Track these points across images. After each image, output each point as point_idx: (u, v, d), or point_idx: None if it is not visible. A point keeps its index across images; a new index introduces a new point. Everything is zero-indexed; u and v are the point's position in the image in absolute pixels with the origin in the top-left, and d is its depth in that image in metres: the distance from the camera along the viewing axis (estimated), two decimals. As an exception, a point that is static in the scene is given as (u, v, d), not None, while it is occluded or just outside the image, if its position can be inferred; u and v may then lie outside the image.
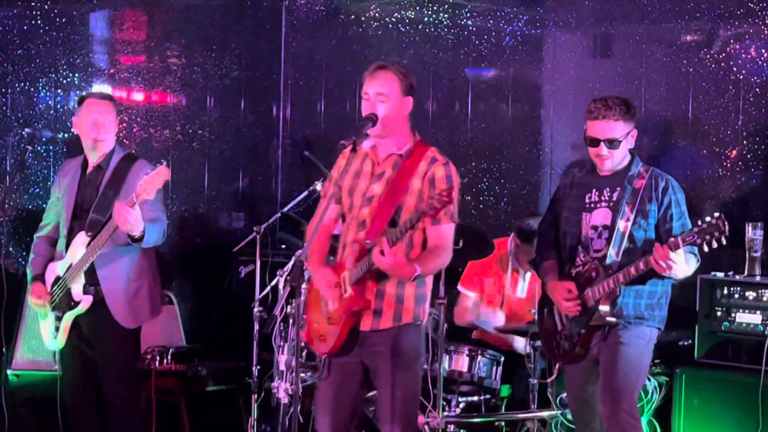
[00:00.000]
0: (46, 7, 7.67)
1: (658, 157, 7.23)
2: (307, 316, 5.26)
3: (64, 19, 7.83)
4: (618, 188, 5.52)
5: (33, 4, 7.61)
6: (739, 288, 6.45)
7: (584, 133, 5.53)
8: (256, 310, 6.81)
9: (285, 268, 6.63)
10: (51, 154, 7.69)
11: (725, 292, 6.48)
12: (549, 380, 6.44)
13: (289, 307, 6.41)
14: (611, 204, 5.52)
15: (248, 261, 7.24)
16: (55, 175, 6.34)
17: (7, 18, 7.55)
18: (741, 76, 7.06)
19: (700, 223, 5.16)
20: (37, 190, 7.60)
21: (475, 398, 6.68)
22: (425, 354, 5.97)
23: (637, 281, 5.40)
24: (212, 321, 8.26)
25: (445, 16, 8.26)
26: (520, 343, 6.69)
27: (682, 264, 5.28)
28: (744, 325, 6.41)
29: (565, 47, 8.01)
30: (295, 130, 9.05)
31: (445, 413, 6.36)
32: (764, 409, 6.12)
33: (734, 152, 7.13)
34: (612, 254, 5.44)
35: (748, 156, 7.06)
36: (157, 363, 7.30)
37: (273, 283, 6.82)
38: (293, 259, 6.63)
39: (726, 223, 5.11)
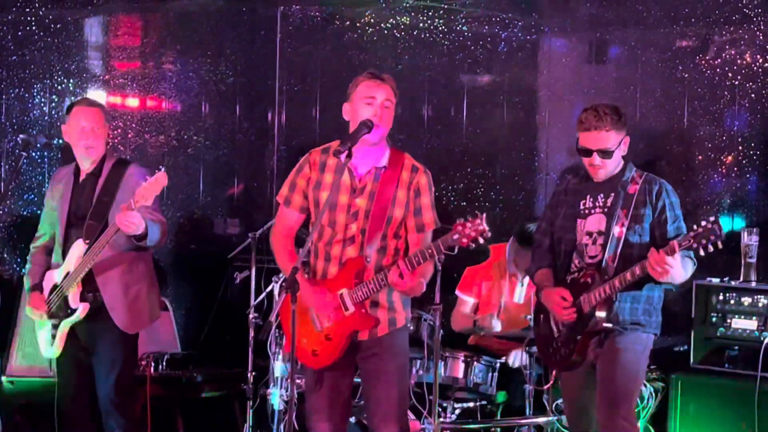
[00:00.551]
0: (41, 13, 7.66)
1: (653, 163, 7.22)
2: (297, 331, 5.21)
3: (58, 25, 7.81)
4: (612, 194, 5.52)
5: (28, 10, 7.59)
6: (734, 294, 6.45)
7: (576, 143, 5.52)
8: (251, 316, 6.81)
9: (280, 275, 6.63)
10: (45, 160, 7.68)
11: (721, 297, 6.48)
12: (546, 387, 6.44)
13: (284, 313, 6.40)
14: (605, 210, 5.52)
15: (243, 267, 7.23)
16: (49, 182, 6.32)
17: (2, 24, 7.54)
18: (736, 82, 7.07)
19: (695, 227, 5.15)
20: (32, 196, 7.59)
21: (471, 404, 6.68)
22: (422, 359, 5.99)
23: (633, 287, 5.39)
24: (207, 327, 8.25)
25: (441, 21, 8.26)
26: (511, 358, 6.67)
27: (679, 268, 5.26)
28: (740, 330, 6.41)
29: (561, 53, 8.02)
30: (290, 135, 9.04)
31: (441, 419, 6.35)
32: (760, 415, 6.12)
33: (729, 158, 7.13)
34: (607, 260, 5.44)
35: (744, 161, 7.07)
36: (152, 369, 7.28)
37: (268, 289, 6.82)
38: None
39: (722, 227, 5.11)
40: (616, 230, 5.44)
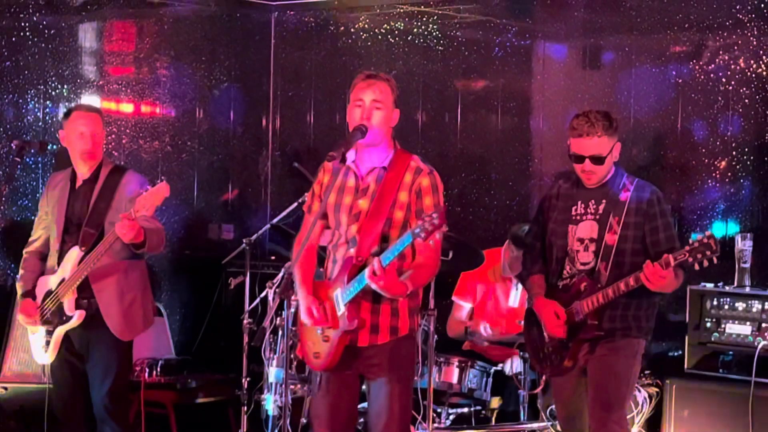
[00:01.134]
0: (34, 18, 7.65)
1: (647, 168, 7.23)
2: (301, 333, 5.23)
3: (52, 31, 7.81)
4: (604, 200, 5.52)
5: (21, 15, 7.59)
6: (728, 299, 6.45)
7: (568, 149, 5.52)
8: (245, 322, 6.81)
9: (274, 280, 6.63)
10: (40, 165, 7.67)
11: (715, 302, 6.48)
12: (536, 391, 6.44)
13: (278, 318, 6.40)
14: (597, 217, 5.52)
15: (238, 273, 7.23)
16: (43, 187, 6.31)
17: (-4, 29, 7.55)
18: (730, 87, 7.07)
19: (691, 241, 5.16)
20: (26, 201, 7.57)
21: (466, 410, 6.68)
22: (416, 364, 5.97)
23: (626, 293, 5.39)
24: (202, 333, 8.24)
25: (435, 27, 8.26)
26: (507, 365, 6.66)
27: (671, 279, 5.28)
28: (734, 335, 6.41)
29: (555, 58, 8.02)
30: (284, 141, 9.04)
31: (435, 425, 6.35)
32: (754, 420, 6.12)
33: (723, 163, 7.13)
34: (600, 267, 5.44)
35: (737, 167, 7.07)
36: (146, 375, 7.28)
37: (262, 294, 6.82)
38: (283, 271, 6.63)
39: (717, 241, 5.12)
40: (609, 238, 5.44)
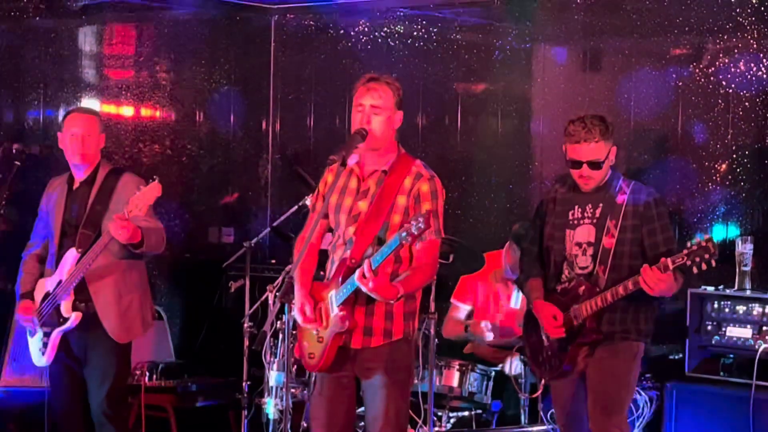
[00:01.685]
0: (34, 22, 7.65)
1: (647, 171, 7.23)
2: (299, 333, 5.24)
3: (52, 35, 7.81)
4: (600, 204, 5.52)
5: (21, 19, 7.59)
6: (729, 302, 6.45)
7: (564, 155, 5.52)
8: (246, 325, 6.80)
9: (275, 283, 6.62)
10: (39, 169, 7.66)
11: (716, 306, 6.48)
12: (535, 395, 6.44)
13: (279, 322, 6.40)
14: (594, 221, 5.52)
15: (238, 276, 7.23)
16: (43, 191, 6.30)
17: (-4, 33, 7.55)
18: (730, 90, 7.06)
19: (689, 245, 5.16)
20: (26, 205, 7.56)
21: (466, 413, 6.67)
22: (416, 368, 5.96)
23: (624, 297, 5.39)
24: (202, 336, 8.24)
25: (435, 30, 8.26)
26: (507, 365, 6.66)
27: (671, 283, 5.28)
28: (734, 339, 6.41)
29: (555, 61, 8.02)
30: (284, 144, 9.04)
31: (436, 429, 6.34)
32: (755, 424, 6.12)
33: (724, 166, 7.13)
34: (598, 271, 5.44)
35: (738, 170, 7.06)
36: (146, 378, 7.28)
37: (263, 298, 6.81)
38: (283, 274, 6.62)
39: (715, 245, 5.11)
40: (606, 241, 5.44)
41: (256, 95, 8.97)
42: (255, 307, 6.90)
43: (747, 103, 7.02)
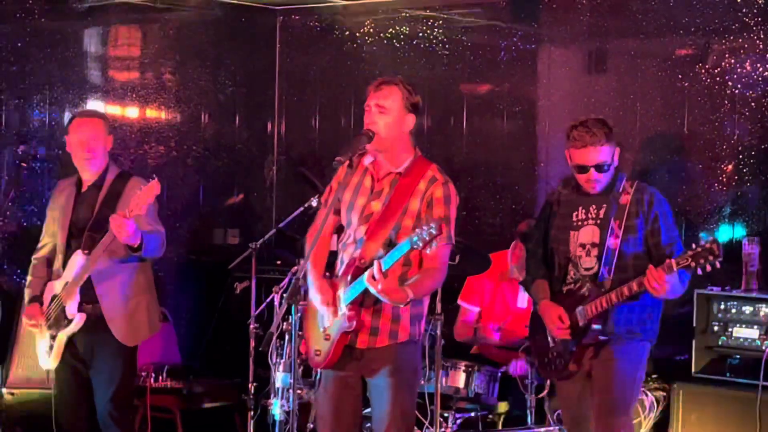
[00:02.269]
0: (40, 23, 7.66)
1: (653, 172, 7.22)
2: (305, 330, 5.24)
3: (58, 36, 7.82)
4: (604, 205, 5.51)
5: (27, 21, 7.59)
6: (736, 303, 6.44)
7: (568, 160, 5.52)
8: (252, 326, 6.80)
9: (281, 285, 6.62)
10: (45, 171, 7.67)
11: (722, 306, 6.48)
12: (541, 395, 6.43)
13: (285, 323, 6.40)
14: (598, 221, 5.51)
15: (244, 277, 7.22)
16: (49, 192, 6.30)
17: (1, 35, 7.54)
18: (736, 91, 7.06)
19: (694, 246, 5.14)
20: (32, 207, 7.57)
21: (473, 414, 6.66)
22: (422, 369, 5.95)
23: (629, 297, 5.38)
24: (208, 338, 8.24)
25: (440, 31, 8.26)
26: (512, 367, 6.66)
27: (676, 284, 5.27)
28: (741, 339, 6.41)
29: (560, 62, 8.02)
30: (289, 146, 9.04)
31: (442, 430, 6.34)
32: (762, 425, 6.11)
33: (730, 167, 7.12)
34: (603, 272, 5.44)
35: (744, 170, 7.06)
36: (152, 380, 7.27)
37: (269, 299, 6.81)
38: (289, 275, 6.63)
39: (720, 246, 5.09)
40: (611, 242, 5.44)
41: (261, 96, 8.98)
42: (261, 308, 6.89)
43: (753, 104, 7.01)
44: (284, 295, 6.10)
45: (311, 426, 6.45)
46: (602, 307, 5.38)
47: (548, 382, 6.31)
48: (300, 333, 5.30)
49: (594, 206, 5.54)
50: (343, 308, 4.98)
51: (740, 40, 7.07)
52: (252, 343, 6.76)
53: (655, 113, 7.41)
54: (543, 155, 8.00)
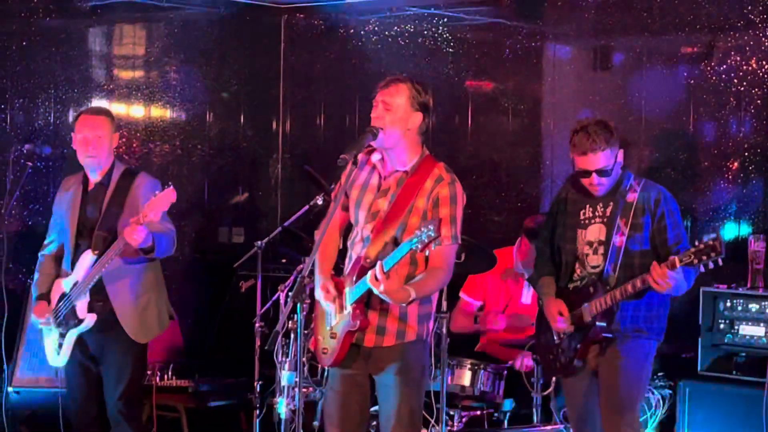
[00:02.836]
0: (44, 23, 7.66)
1: (659, 170, 7.22)
2: (315, 327, 5.23)
3: (62, 35, 7.82)
4: (611, 203, 5.52)
5: (31, 20, 7.60)
6: (742, 300, 6.45)
7: (573, 164, 5.52)
8: (257, 325, 6.80)
9: (286, 283, 6.62)
10: (50, 170, 7.67)
11: (728, 304, 6.48)
12: (546, 392, 6.43)
13: (290, 322, 6.40)
14: (605, 219, 5.52)
15: (249, 276, 7.22)
16: (55, 191, 6.30)
17: (6, 34, 7.54)
18: (742, 88, 7.06)
19: (697, 243, 5.14)
20: (37, 206, 7.58)
21: (478, 412, 6.66)
22: (429, 367, 5.95)
23: (634, 295, 5.38)
24: (213, 336, 8.24)
25: (445, 29, 8.25)
26: (518, 362, 6.66)
27: (681, 281, 5.27)
28: (747, 337, 6.41)
29: (565, 60, 8.01)
30: (294, 144, 9.05)
31: (448, 428, 6.34)
32: (768, 422, 6.12)
33: (736, 164, 7.12)
34: (609, 269, 5.44)
35: (750, 168, 7.06)
36: (158, 379, 7.28)
37: (274, 298, 6.81)
38: (294, 273, 6.62)
39: (723, 243, 5.09)
40: (617, 240, 5.45)
41: (266, 95, 8.98)
42: (266, 307, 6.90)
43: (759, 101, 7.01)
44: (290, 293, 6.13)
45: (317, 424, 6.45)
46: (606, 304, 5.39)
47: (553, 380, 6.31)
48: (306, 331, 5.31)
49: (601, 204, 5.55)
50: (348, 307, 4.98)
51: (746, 38, 7.06)
52: (257, 342, 6.76)
53: (660, 111, 7.41)
54: (548, 153, 8.00)
